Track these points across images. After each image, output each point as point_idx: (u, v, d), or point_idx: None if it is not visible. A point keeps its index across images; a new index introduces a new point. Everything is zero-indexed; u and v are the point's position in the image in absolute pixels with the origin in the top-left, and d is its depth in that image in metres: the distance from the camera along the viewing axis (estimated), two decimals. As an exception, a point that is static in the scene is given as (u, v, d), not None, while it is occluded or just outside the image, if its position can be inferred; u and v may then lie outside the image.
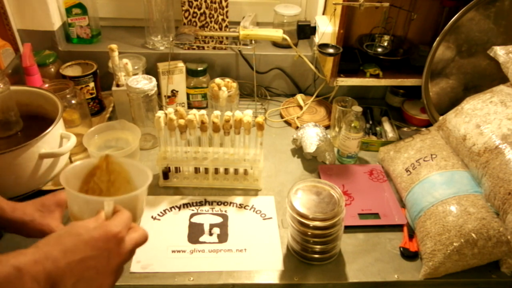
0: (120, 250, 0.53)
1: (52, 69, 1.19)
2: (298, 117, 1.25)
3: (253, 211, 0.95)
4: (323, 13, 1.29)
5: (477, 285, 0.85)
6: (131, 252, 0.56)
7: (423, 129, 1.10)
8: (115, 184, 0.67)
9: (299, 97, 1.31)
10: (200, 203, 0.96)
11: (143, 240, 0.57)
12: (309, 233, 0.80)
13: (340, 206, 0.79)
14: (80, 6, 1.24)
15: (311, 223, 0.78)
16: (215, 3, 1.24)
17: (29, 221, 0.69)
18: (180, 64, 1.21)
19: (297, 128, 1.17)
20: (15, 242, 0.85)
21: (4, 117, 0.93)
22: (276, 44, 1.34)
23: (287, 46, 1.30)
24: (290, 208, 0.81)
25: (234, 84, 1.13)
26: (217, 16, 1.26)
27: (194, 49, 1.29)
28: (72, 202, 0.62)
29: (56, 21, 1.23)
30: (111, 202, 0.56)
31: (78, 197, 0.59)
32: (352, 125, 1.03)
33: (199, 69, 1.23)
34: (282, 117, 1.28)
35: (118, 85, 1.13)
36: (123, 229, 0.53)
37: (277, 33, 1.16)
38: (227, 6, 1.25)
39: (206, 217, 0.93)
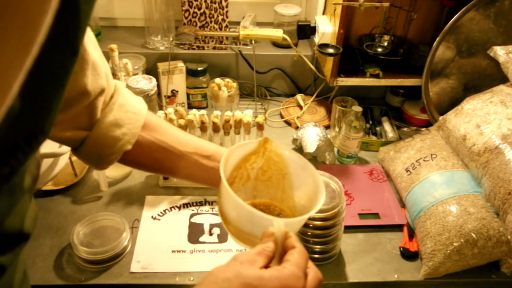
0: None
1: (52, 69, 1.18)
2: (298, 117, 1.25)
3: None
4: (323, 13, 1.29)
5: (477, 285, 0.85)
6: None
7: (423, 129, 1.10)
8: (266, 173, 0.59)
9: (299, 97, 1.31)
10: (200, 203, 0.96)
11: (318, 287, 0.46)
12: (309, 233, 0.80)
13: (340, 197, 0.79)
14: (80, 6, 1.24)
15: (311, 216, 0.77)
16: (215, 3, 1.24)
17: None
18: (180, 64, 1.21)
19: (297, 128, 1.17)
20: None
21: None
22: (276, 44, 1.34)
23: (287, 46, 1.30)
24: None
25: (234, 84, 1.13)
26: (217, 16, 1.26)
27: (194, 49, 1.29)
28: (230, 206, 0.53)
29: (56, 21, 1.23)
30: (282, 223, 0.47)
31: (241, 206, 0.49)
32: (352, 125, 1.03)
33: (199, 69, 1.23)
34: (282, 117, 1.28)
35: (118, 85, 1.13)
36: (302, 279, 0.43)
37: (277, 33, 1.16)
38: (227, 6, 1.25)
39: (206, 217, 0.93)
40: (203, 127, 0.94)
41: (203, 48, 1.30)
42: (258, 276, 0.42)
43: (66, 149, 0.87)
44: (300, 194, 0.58)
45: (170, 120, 0.92)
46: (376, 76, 1.18)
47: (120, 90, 0.59)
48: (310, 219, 0.78)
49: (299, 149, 1.13)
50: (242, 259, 0.44)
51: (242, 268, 0.43)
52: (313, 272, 0.46)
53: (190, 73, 1.24)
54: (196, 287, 0.42)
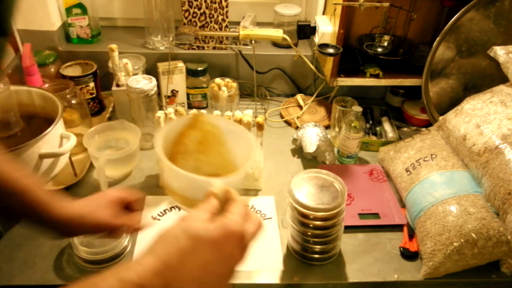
0: (241, 251, 0.48)
1: (52, 69, 1.18)
2: (298, 117, 1.25)
3: (253, 211, 0.95)
4: (323, 13, 1.29)
5: (477, 285, 0.85)
6: (249, 248, 0.51)
7: (423, 129, 1.10)
8: (204, 144, 0.62)
9: (299, 97, 1.31)
10: (200, 203, 0.96)
11: (259, 231, 0.51)
12: (309, 233, 0.80)
13: (342, 197, 0.78)
14: (80, 6, 1.24)
15: (312, 214, 0.78)
16: (215, 3, 1.24)
17: (86, 213, 0.63)
18: (180, 64, 1.21)
19: (297, 128, 1.17)
20: (16, 243, 0.85)
21: (4, 117, 0.92)
22: (276, 44, 1.34)
23: (287, 46, 1.30)
24: (291, 197, 0.80)
25: (234, 84, 1.13)
26: (217, 16, 1.26)
27: (194, 49, 1.29)
28: (172, 177, 0.56)
29: (56, 21, 1.23)
30: (220, 182, 0.50)
31: (180, 174, 0.53)
32: (352, 125, 1.03)
33: (199, 69, 1.23)
34: (282, 117, 1.28)
35: (118, 85, 1.13)
36: (243, 225, 0.47)
37: (277, 33, 1.16)
38: (227, 6, 1.25)
39: (206, 217, 0.93)
40: (203, 127, 0.94)
41: (203, 48, 1.30)
42: (203, 227, 0.45)
43: (66, 149, 0.88)
44: (239, 157, 0.60)
45: (170, 120, 0.92)
46: (376, 76, 1.18)
47: None
48: (310, 219, 0.78)
49: (299, 149, 1.13)
50: (188, 217, 0.47)
51: (188, 224, 0.45)
52: (254, 217, 0.50)
53: (190, 73, 1.24)
54: (147, 250, 0.44)
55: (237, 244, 0.47)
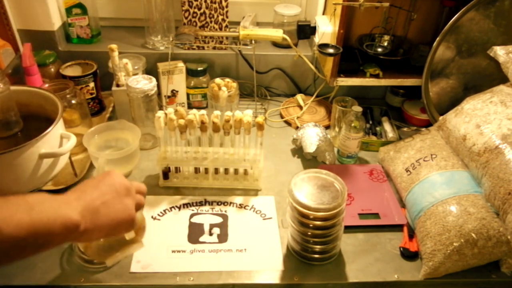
0: (124, 181, 0.65)
1: (52, 69, 1.18)
2: (298, 117, 1.25)
3: (253, 211, 0.95)
4: (323, 13, 1.29)
5: (477, 285, 0.85)
6: (136, 192, 0.67)
7: (423, 129, 1.10)
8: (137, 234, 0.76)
9: (299, 97, 1.31)
10: (200, 203, 0.96)
11: (142, 187, 0.69)
12: (309, 233, 0.80)
13: (342, 197, 0.78)
14: (80, 6, 1.24)
15: (312, 214, 0.78)
16: (215, 3, 1.24)
17: None
18: (180, 64, 1.21)
19: (297, 128, 1.17)
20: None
21: (4, 117, 0.92)
22: (276, 44, 1.34)
23: (287, 46, 1.30)
24: (291, 197, 0.80)
25: (234, 84, 1.13)
26: (217, 16, 1.26)
27: (194, 49, 1.29)
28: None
29: (56, 21, 1.23)
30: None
31: None
32: (352, 125, 1.03)
33: (199, 69, 1.23)
34: (282, 117, 1.28)
35: (118, 85, 1.13)
36: (126, 181, 0.65)
37: (277, 33, 1.16)
38: (227, 6, 1.25)
39: (206, 217, 0.93)
40: (203, 127, 0.94)
41: (203, 48, 1.30)
42: (90, 178, 0.64)
43: (66, 149, 0.87)
44: None
45: (170, 120, 0.92)
46: (376, 76, 1.18)
47: None
48: (310, 219, 0.78)
49: (299, 149, 1.13)
50: None
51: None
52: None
53: (190, 73, 1.24)
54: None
55: (117, 177, 0.64)
